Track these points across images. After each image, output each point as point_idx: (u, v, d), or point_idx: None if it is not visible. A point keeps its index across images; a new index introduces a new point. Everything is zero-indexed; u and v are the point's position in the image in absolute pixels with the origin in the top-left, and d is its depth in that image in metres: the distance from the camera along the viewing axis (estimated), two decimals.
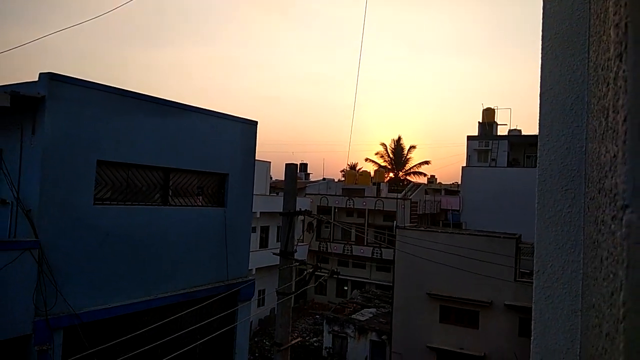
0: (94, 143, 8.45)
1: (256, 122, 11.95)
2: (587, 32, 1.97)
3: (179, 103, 10.10)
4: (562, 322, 2.08)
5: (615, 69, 0.52)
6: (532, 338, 2.18)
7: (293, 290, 10.39)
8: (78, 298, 8.14)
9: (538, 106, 2.23)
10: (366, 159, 55.65)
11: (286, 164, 10.42)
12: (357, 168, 57.65)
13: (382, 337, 23.99)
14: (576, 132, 2.05)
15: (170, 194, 10.06)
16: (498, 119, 40.67)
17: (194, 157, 10.37)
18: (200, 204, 10.80)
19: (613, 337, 0.50)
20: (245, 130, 11.69)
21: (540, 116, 2.21)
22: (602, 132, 0.76)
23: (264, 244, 32.07)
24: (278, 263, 10.28)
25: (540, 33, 2.24)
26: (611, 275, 0.57)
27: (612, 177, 0.56)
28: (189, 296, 9.99)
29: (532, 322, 2.19)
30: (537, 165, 2.19)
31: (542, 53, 2.16)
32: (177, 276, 9.97)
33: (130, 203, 9.23)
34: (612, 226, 0.55)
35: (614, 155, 0.54)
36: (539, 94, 2.19)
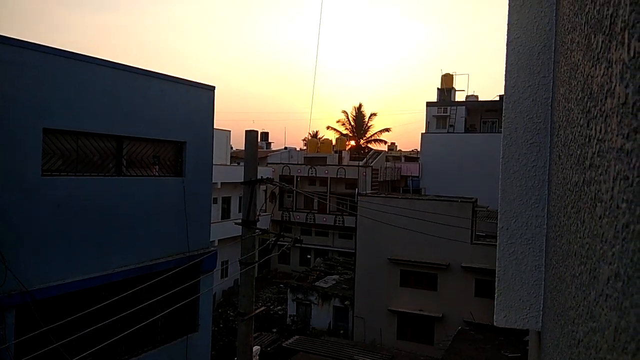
0: (39, 110, 7.92)
1: (213, 87, 11.53)
2: None
3: (132, 67, 9.58)
4: (526, 278, 2.06)
5: None
6: (496, 295, 2.16)
7: (256, 259, 10.31)
8: (30, 274, 7.78)
9: (504, 57, 2.16)
10: (328, 127, 55.60)
11: (246, 131, 10.16)
12: (319, 136, 57.51)
13: (345, 302, 24.49)
14: (542, 82, 1.99)
15: (125, 163, 9.65)
16: (456, 84, 41.25)
17: (148, 125, 9.94)
18: (156, 173, 10.44)
19: (634, 277, 0.41)
20: (202, 96, 11.28)
21: (506, 68, 2.13)
22: (598, 50, 0.67)
23: (225, 214, 31.75)
24: (241, 234, 10.14)
25: None
26: (623, 205, 0.48)
27: (630, 84, 0.46)
28: (148, 269, 9.74)
29: (496, 279, 2.16)
30: (503, 118, 2.12)
31: (509, 0, 2.07)
32: (136, 249, 9.69)
33: (81, 174, 8.80)
34: (630, 144, 0.46)
35: (635, 55, 0.44)
36: (506, 44, 2.11)
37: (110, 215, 9.19)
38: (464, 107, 39.02)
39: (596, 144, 0.67)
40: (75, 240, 8.57)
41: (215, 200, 29.35)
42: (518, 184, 2.09)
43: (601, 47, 0.65)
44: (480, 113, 39.87)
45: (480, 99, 40.79)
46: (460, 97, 41.14)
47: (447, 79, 40.92)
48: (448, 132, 37.97)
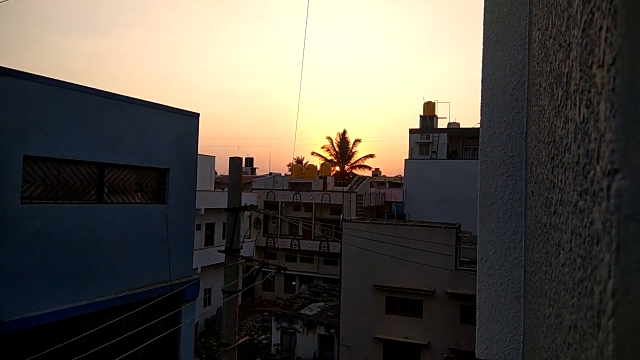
0: (19, 137, 7.84)
1: (198, 114, 11.56)
2: (527, 14, 1.96)
3: (114, 93, 9.58)
4: (506, 310, 2.07)
5: (585, 17, 0.44)
6: (477, 327, 2.16)
7: (240, 288, 10.17)
8: (5, 305, 7.55)
9: (480, 92, 2.22)
10: (312, 153, 55.80)
11: (230, 158, 10.16)
12: (304, 162, 57.68)
13: (331, 330, 24.15)
14: (517, 117, 2.05)
15: (106, 190, 9.54)
16: (438, 112, 41.99)
17: (131, 152, 9.88)
18: (139, 200, 10.33)
19: (587, 332, 0.43)
20: (186, 122, 11.29)
21: (481, 103, 2.19)
22: (558, 103, 0.70)
23: (209, 241, 31.37)
24: (224, 261, 10.02)
25: (482, 19, 2.22)
26: (579, 260, 0.50)
27: (581, 146, 0.48)
28: (128, 299, 9.53)
29: (477, 310, 2.17)
30: (479, 152, 2.17)
31: (483, 38, 2.14)
32: (116, 278, 9.49)
33: (62, 201, 8.67)
34: (582, 203, 0.47)
35: (584, 120, 0.46)
36: (481, 80, 2.17)
37: (90, 244, 9.02)
38: (446, 134, 39.64)
39: (559, 192, 0.69)
40: (54, 270, 8.37)
41: (198, 227, 29.03)
42: (496, 215, 2.12)
43: (560, 101, 0.68)
44: (462, 140, 40.49)
45: (461, 126, 41.50)
46: (442, 124, 41.85)
47: (429, 106, 41.65)
48: (431, 159, 38.44)
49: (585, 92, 0.45)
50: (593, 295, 0.39)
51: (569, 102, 0.58)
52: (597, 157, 0.38)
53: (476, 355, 2.21)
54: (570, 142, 0.57)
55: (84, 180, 9.11)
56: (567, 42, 0.58)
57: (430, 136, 39.74)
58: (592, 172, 0.42)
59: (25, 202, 8.00)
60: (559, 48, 0.67)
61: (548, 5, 0.88)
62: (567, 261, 0.59)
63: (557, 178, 0.70)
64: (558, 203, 0.69)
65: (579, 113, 0.50)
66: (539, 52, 1.15)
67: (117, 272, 9.53)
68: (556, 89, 0.72)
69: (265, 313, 31.02)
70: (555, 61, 0.74)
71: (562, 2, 0.61)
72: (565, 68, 0.61)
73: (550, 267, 0.78)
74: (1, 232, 7.57)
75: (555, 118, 0.73)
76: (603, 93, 0.36)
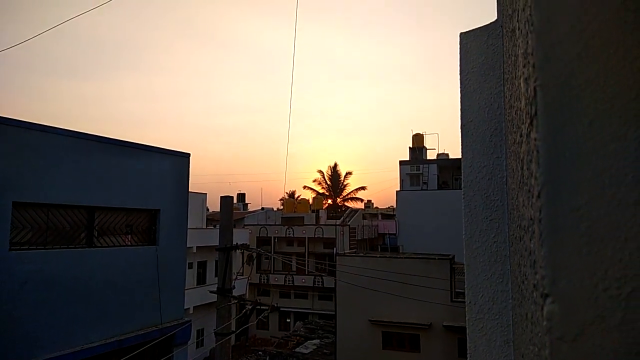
0: (9, 183, 7.81)
1: (188, 155, 11.61)
2: (501, 65, 2.04)
3: (103, 137, 9.62)
4: (495, 355, 2.07)
5: (527, 125, 0.48)
6: None
7: (233, 329, 9.99)
8: None
9: (460, 138, 2.28)
10: (304, 187, 55.87)
11: (221, 197, 10.16)
12: (296, 196, 57.69)
13: None
14: (497, 162, 2.09)
15: (96, 234, 9.46)
16: (427, 143, 42.51)
17: (121, 194, 9.86)
18: (129, 243, 10.23)
19: None
20: (176, 163, 11.32)
21: (462, 148, 2.24)
22: (518, 180, 0.73)
23: (201, 280, 30.92)
24: (216, 300, 9.88)
25: (458, 69, 2.30)
26: (536, 349, 0.52)
27: (531, 241, 0.51)
28: (118, 344, 9.31)
29: (468, 356, 2.16)
30: (462, 196, 2.20)
31: (460, 86, 2.21)
32: (106, 323, 9.30)
33: (51, 246, 8.57)
34: (535, 295, 0.50)
35: (531, 219, 0.49)
36: (460, 127, 2.23)
37: (79, 289, 8.87)
38: (435, 165, 40.04)
39: (524, 266, 0.70)
40: (43, 317, 8.20)
41: (190, 265, 28.63)
42: (481, 259, 2.13)
43: (520, 179, 0.70)
44: (452, 170, 40.88)
45: (450, 156, 41.97)
46: (431, 155, 42.32)
47: (418, 138, 42.21)
48: (422, 190, 38.66)
49: (530, 195, 0.48)
50: None
51: (525, 188, 0.61)
52: (536, 270, 0.41)
53: None
54: (528, 227, 0.59)
55: (73, 225, 9.04)
56: (521, 132, 0.61)
57: (420, 167, 40.11)
58: (537, 275, 0.44)
59: (14, 248, 7.91)
60: (517, 129, 0.71)
61: (511, 77, 0.93)
62: (532, 332, 0.60)
63: (522, 251, 0.72)
64: (524, 276, 0.70)
65: (529, 208, 0.52)
66: (509, 112, 1.20)
67: (107, 316, 9.35)
68: (517, 164, 0.75)
69: (260, 352, 30.26)
70: (516, 137, 0.77)
71: (517, 92, 0.64)
72: (520, 152, 0.65)
73: (524, 331, 0.79)
74: None
75: (519, 190, 0.75)
76: (534, 219, 0.39)
